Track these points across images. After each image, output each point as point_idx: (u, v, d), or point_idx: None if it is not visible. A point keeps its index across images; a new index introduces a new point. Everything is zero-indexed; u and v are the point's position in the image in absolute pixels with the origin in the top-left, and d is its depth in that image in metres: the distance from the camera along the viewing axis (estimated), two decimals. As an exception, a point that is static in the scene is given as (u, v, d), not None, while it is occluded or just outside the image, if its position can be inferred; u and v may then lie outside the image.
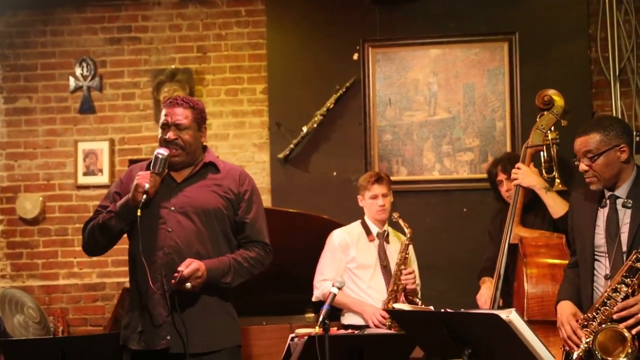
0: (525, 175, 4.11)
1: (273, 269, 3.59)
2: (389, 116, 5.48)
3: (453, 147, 5.43)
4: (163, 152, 3.22)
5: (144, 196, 3.14)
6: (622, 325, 2.99)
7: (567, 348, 3.17)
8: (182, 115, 3.29)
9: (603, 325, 3.01)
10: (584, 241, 3.22)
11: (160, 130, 3.33)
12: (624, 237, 3.08)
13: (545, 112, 4.23)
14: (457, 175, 5.42)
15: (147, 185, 3.14)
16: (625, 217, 3.13)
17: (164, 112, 3.33)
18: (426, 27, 5.47)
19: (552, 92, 4.24)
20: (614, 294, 3.03)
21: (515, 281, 3.97)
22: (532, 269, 3.78)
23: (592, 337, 3.03)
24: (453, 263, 5.32)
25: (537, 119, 4.27)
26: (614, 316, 3.02)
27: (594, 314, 3.08)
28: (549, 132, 4.20)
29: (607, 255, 3.14)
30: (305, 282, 4.45)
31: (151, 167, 3.22)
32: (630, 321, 2.98)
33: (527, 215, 4.15)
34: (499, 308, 3.93)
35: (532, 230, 4.05)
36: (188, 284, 3.12)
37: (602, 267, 3.14)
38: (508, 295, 4.06)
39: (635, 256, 2.99)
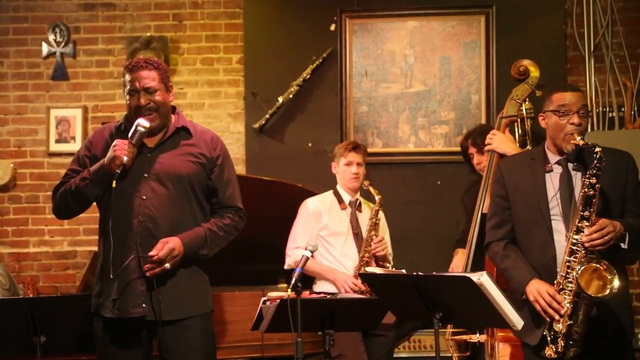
0: (501, 142, 4.09)
1: (246, 238, 3.55)
2: (365, 88, 5.46)
3: (428, 120, 5.44)
4: (145, 123, 3.14)
5: (121, 167, 3.10)
6: (587, 244, 3.01)
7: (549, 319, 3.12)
8: (149, 78, 3.19)
9: (580, 267, 3.01)
10: (533, 206, 3.21)
11: (127, 97, 3.23)
12: (579, 199, 3.10)
13: (521, 83, 4.23)
14: (431, 148, 5.43)
15: (125, 159, 3.10)
16: (577, 180, 3.17)
17: (128, 77, 3.21)
18: (404, -1, 5.47)
19: (527, 63, 4.22)
20: (577, 236, 3.05)
21: (487, 252, 3.99)
22: None
23: (573, 283, 3.03)
24: (426, 235, 5.34)
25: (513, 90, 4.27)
26: (586, 244, 3.02)
27: (566, 269, 3.07)
28: (523, 103, 4.20)
29: (562, 218, 3.15)
30: (278, 252, 4.44)
31: (130, 138, 3.14)
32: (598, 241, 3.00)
33: None
34: None
35: None
36: (167, 265, 3.11)
37: (557, 231, 3.16)
38: (481, 266, 4.06)
39: (586, 182, 3.04)
